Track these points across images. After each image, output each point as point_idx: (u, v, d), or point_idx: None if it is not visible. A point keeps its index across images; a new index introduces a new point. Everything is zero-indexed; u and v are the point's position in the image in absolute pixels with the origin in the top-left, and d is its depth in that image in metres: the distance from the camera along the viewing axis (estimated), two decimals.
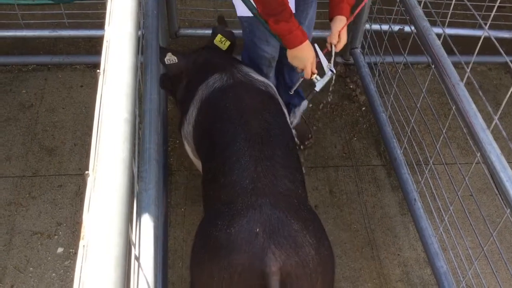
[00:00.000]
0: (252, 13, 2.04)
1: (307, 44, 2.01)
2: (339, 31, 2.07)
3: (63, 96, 3.02)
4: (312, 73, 2.09)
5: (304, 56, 2.03)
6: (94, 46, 3.28)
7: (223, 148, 1.81)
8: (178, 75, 2.26)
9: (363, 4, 2.12)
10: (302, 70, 2.10)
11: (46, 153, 2.72)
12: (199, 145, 2.05)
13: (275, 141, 1.84)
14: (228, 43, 2.33)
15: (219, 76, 2.10)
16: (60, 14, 3.09)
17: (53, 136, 2.80)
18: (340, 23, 2.07)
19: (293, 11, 2.14)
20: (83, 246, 0.72)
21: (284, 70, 2.66)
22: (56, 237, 2.39)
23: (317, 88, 2.12)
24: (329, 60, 2.12)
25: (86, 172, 0.82)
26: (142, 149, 1.55)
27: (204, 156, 1.97)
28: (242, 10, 2.17)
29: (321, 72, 2.12)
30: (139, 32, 1.93)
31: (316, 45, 2.09)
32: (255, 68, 2.42)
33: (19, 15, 3.04)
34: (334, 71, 2.11)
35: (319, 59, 2.10)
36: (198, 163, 2.20)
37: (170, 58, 2.24)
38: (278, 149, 1.81)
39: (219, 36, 2.32)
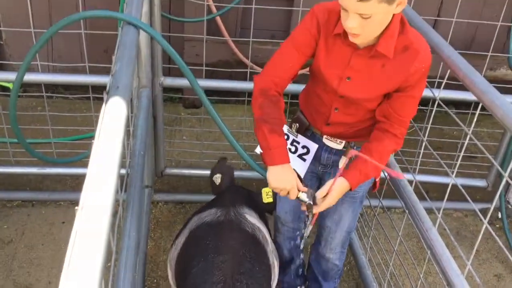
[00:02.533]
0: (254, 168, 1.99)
1: (278, 168, 1.85)
2: (329, 189, 1.88)
3: (43, 232, 3.02)
4: (299, 191, 1.88)
5: (268, 177, 1.87)
6: (81, 183, 3.33)
7: (194, 284, 1.82)
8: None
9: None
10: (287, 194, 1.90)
11: None
12: (178, 274, 2.08)
13: (247, 284, 1.85)
14: (270, 200, 2.27)
15: (214, 211, 2.18)
16: (51, 153, 3.21)
17: (29, 273, 2.75)
18: (337, 184, 1.88)
19: (302, 175, 2.09)
20: None
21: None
22: None
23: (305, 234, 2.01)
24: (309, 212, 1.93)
25: None
26: (115, 287, 1.54)
27: (178, 285, 2.00)
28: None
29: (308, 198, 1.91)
30: (125, 171, 2.01)
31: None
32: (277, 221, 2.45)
33: (10, 152, 3.15)
34: (307, 235, 2.00)
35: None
36: None
37: (217, 178, 2.44)
38: None
39: (268, 189, 2.14)
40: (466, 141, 2.02)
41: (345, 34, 1.79)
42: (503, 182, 1.79)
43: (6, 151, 3.17)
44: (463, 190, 1.91)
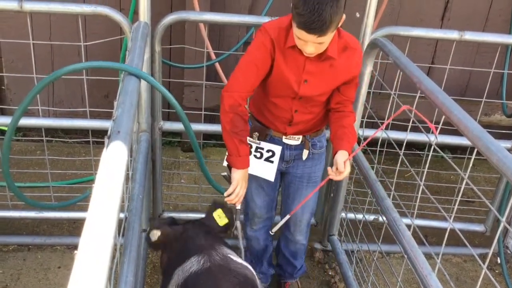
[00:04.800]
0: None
1: (243, 171, 2.31)
2: (344, 162, 2.24)
3: (39, 277, 2.98)
4: (235, 200, 2.31)
5: (235, 177, 2.30)
6: (78, 227, 3.33)
7: None
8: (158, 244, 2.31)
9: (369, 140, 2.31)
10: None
11: None
12: None
13: None
14: (225, 220, 2.35)
15: (196, 259, 2.10)
16: (49, 197, 3.20)
17: None
18: (344, 155, 2.26)
19: (272, 179, 2.47)
20: None
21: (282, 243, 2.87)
22: None
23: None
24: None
25: None
26: None
27: None
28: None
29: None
30: (123, 215, 2.01)
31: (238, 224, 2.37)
32: (245, 218, 2.70)
33: (8, 196, 3.14)
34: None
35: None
36: None
37: (154, 234, 2.29)
38: None
39: (219, 210, 2.36)
40: (463, 186, 2.03)
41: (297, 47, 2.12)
42: (501, 227, 1.80)
43: (4, 195, 3.17)
44: (461, 235, 1.91)
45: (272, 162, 2.45)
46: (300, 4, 1.95)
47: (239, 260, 2.18)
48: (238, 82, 2.26)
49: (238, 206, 2.39)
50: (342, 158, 2.26)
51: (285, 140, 2.45)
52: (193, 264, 2.08)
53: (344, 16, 2.05)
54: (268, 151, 2.45)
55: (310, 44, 2.04)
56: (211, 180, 2.47)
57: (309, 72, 2.23)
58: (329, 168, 2.29)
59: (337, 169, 2.25)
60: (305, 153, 2.48)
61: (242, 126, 2.26)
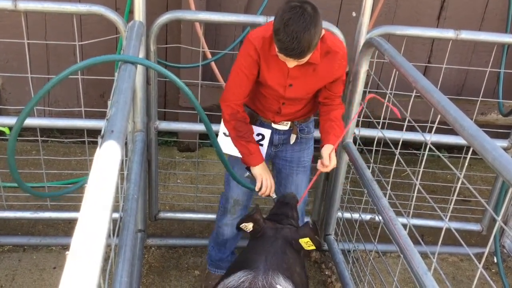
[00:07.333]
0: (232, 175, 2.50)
1: (261, 165, 2.48)
2: (329, 155, 2.40)
3: (34, 278, 2.97)
4: (268, 191, 2.50)
5: (256, 172, 2.48)
6: (74, 227, 3.29)
7: None
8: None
9: (349, 124, 2.56)
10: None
11: None
12: None
13: None
14: (312, 247, 2.23)
15: (240, 275, 1.95)
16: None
17: None
18: (329, 149, 2.42)
19: (263, 158, 2.55)
20: None
21: None
22: None
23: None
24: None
25: None
26: None
27: None
28: (225, 148, 2.58)
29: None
30: (118, 215, 2.00)
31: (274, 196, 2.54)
32: (221, 204, 2.76)
33: (3, 197, 3.13)
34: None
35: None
36: None
37: (246, 227, 2.31)
38: None
39: (306, 239, 2.21)
40: (458, 185, 2.02)
41: None
42: (497, 226, 1.79)
43: None
44: (457, 235, 1.91)
45: (262, 145, 2.58)
46: (280, 31, 2.07)
47: None
48: (232, 92, 2.41)
49: (274, 196, 2.55)
50: (327, 151, 2.41)
51: (274, 125, 2.56)
52: (233, 280, 1.95)
53: (323, 31, 2.20)
54: (258, 134, 2.57)
55: (291, 61, 2.19)
56: (240, 181, 2.54)
57: (293, 77, 2.35)
58: (319, 161, 2.44)
59: (322, 162, 2.41)
60: (292, 137, 2.59)
61: (245, 129, 2.43)
